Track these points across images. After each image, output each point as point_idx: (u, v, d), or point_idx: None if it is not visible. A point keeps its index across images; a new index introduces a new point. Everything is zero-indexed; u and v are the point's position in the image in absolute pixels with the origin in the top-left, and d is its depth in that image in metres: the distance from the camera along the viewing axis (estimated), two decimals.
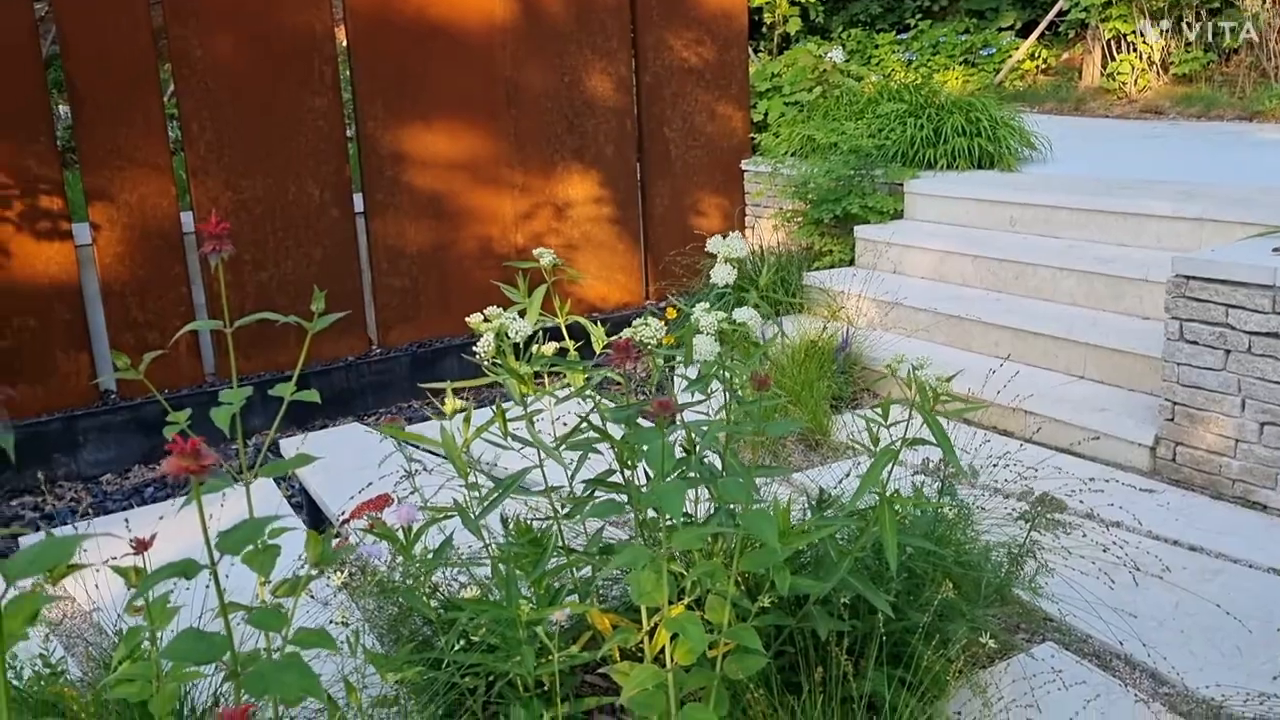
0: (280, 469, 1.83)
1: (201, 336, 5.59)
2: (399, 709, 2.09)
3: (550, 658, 1.94)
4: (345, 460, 4.37)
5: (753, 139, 7.16)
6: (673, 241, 6.88)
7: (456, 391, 2.17)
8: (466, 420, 2.09)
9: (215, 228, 1.91)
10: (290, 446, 4.79)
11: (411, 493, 2.66)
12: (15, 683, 2.19)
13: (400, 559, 2.70)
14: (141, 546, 1.70)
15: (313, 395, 2.08)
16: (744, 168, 7.08)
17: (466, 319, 2.22)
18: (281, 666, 1.24)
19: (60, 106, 9.15)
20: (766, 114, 7.17)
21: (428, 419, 5.39)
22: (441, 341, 6.03)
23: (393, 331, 5.97)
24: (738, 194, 7.12)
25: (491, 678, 2.22)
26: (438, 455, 4.23)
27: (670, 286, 6.84)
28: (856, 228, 6.09)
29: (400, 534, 2.11)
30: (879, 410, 2.18)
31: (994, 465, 3.63)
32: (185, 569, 1.20)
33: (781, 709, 2.23)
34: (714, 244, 2.14)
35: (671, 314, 5.03)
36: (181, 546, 1.80)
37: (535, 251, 2.48)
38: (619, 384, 2.20)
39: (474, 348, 2.18)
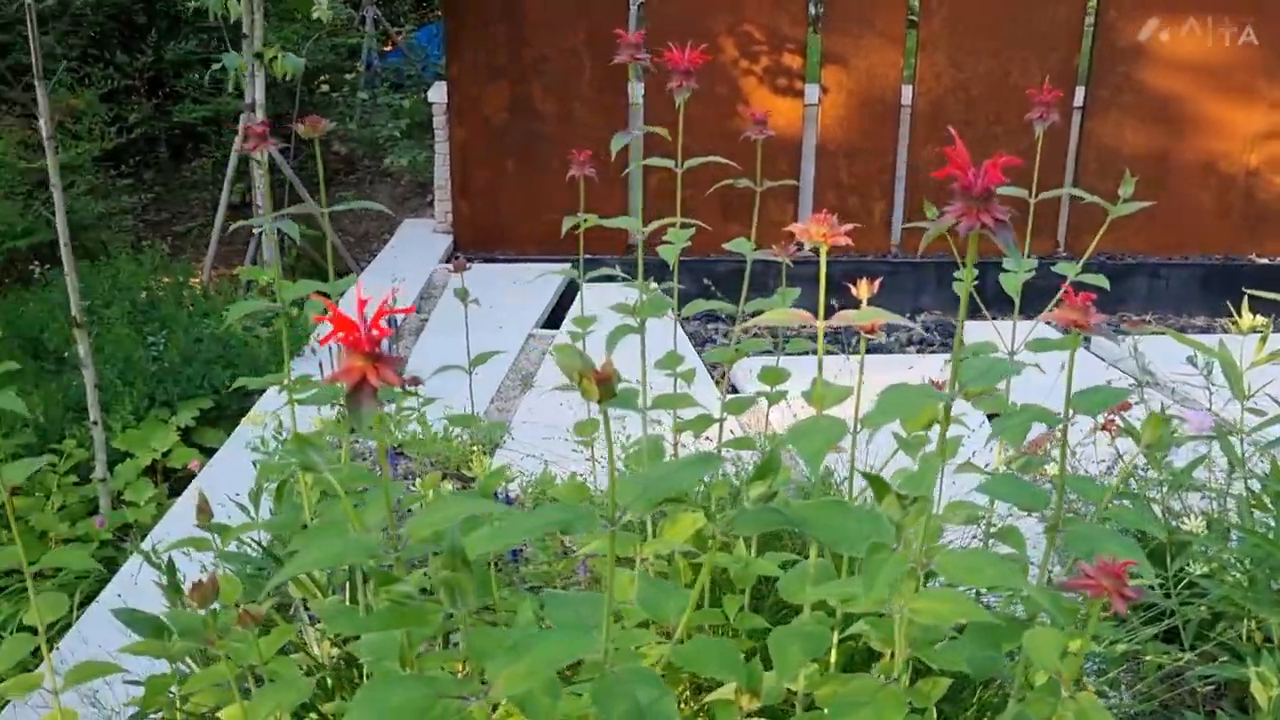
0: (1051, 347, 1.81)
1: (895, 209, 5.76)
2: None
3: None
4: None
5: None
6: None
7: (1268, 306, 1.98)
8: (1262, 339, 1.91)
9: (1049, 96, 1.89)
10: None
11: (1138, 403, 2.54)
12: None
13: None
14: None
15: (1101, 280, 2.02)
16: None
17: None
18: (1105, 532, 1.23)
19: None
20: None
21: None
22: (1134, 257, 5.64)
23: (1083, 237, 5.69)
24: None
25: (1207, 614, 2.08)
26: (1130, 377, 3.99)
27: None
28: None
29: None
30: None
31: None
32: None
33: None
34: None
35: None
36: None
37: None
38: None
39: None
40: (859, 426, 1.51)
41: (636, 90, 5.67)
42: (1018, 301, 2.02)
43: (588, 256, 2.20)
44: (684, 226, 1.82)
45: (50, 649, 1.77)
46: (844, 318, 1.07)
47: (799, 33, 5.45)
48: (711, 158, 1.87)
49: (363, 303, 0.91)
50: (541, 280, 5.13)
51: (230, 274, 5.79)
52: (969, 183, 0.90)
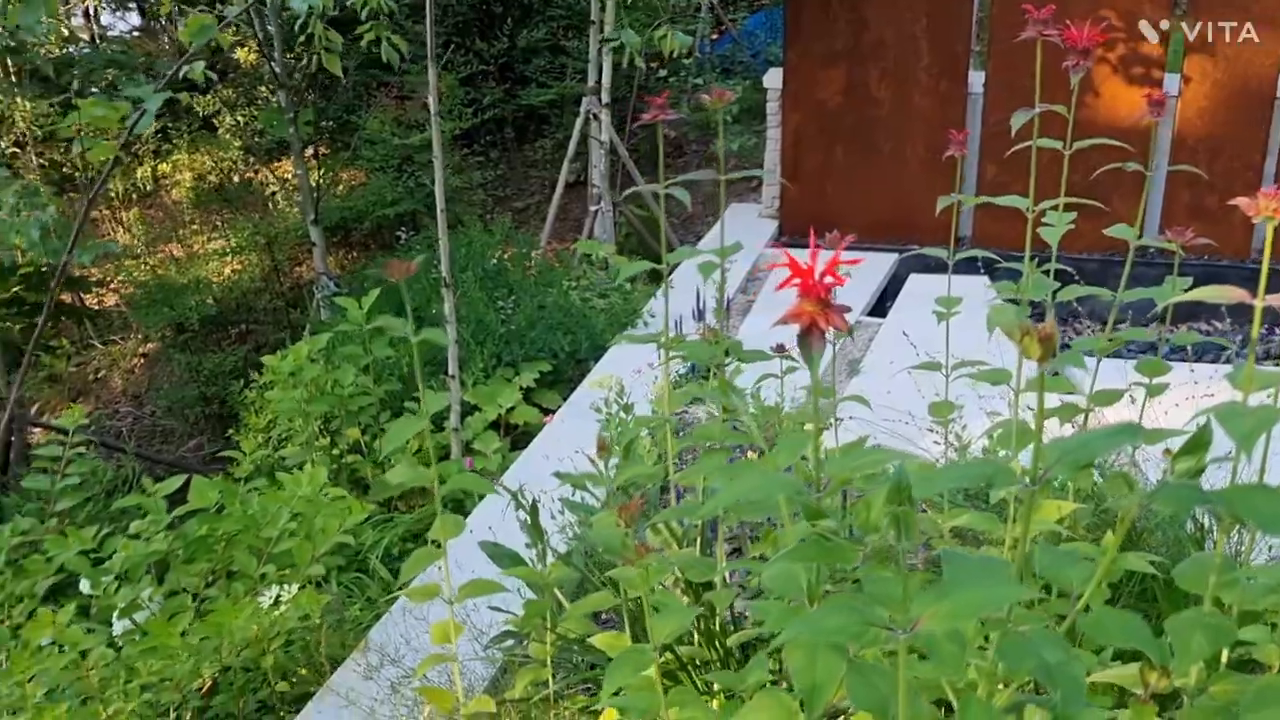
0: None
1: None
2: None
3: None
4: None
5: None
6: None
7: None
8: None
9: None
10: None
11: None
12: None
13: None
14: None
15: None
16: None
17: None
18: None
19: None
20: None
21: None
22: None
23: None
24: None
25: None
26: None
27: None
28: None
29: None
30: None
31: None
32: None
33: None
34: None
35: None
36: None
37: None
38: None
39: None
40: None
41: (976, 80, 5.52)
42: None
43: (913, 246, 2.20)
44: (1069, 208, 1.78)
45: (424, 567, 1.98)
46: None
47: (1161, 18, 5.11)
48: (1099, 139, 1.83)
49: (815, 250, 0.97)
50: (870, 268, 5.12)
51: (565, 247, 6.15)
52: None
